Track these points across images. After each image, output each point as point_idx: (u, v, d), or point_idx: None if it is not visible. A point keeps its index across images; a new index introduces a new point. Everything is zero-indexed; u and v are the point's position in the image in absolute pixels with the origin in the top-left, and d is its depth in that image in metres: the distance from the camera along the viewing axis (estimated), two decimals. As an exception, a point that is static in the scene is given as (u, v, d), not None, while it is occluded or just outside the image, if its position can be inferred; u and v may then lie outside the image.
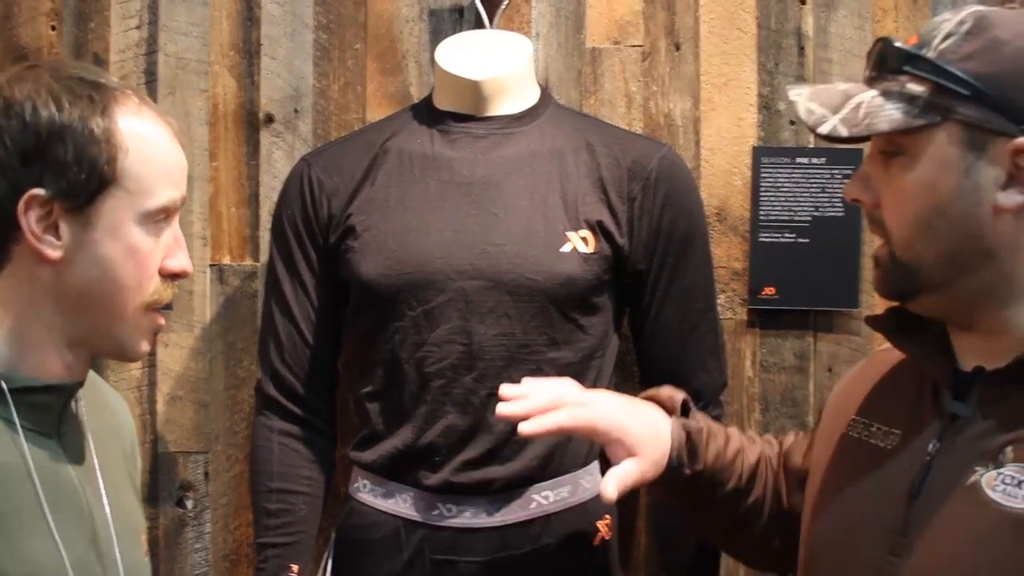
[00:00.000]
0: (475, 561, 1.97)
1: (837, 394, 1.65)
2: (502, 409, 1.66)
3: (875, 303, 2.28)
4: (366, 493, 2.05)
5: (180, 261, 1.37)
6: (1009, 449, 1.26)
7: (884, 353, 1.57)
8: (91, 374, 1.45)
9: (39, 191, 1.27)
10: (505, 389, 1.69)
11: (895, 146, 1.32)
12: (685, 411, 1.74)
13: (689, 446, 1.67)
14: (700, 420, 1.73)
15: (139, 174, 1.30)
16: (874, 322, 1.50)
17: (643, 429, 1.66)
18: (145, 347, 1.39)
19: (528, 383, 1.71)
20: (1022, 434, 1.26)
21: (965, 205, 1.28)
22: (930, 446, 1.34)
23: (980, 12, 1.31)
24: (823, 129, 1.35)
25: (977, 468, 1.28)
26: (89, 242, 1.30)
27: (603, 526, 2.05)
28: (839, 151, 2.26)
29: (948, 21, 1.32)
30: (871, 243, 2.26)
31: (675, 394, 1.77)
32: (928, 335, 1.42)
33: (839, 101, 1.35)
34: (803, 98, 1.38)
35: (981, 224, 1.28)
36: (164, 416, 2.33)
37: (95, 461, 1.42)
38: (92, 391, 1.48)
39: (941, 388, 1.37)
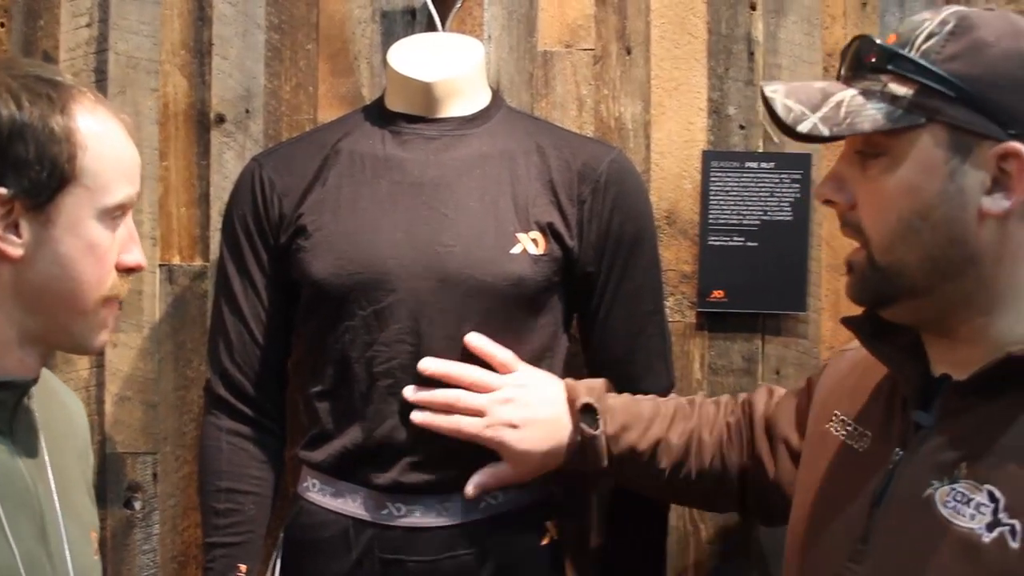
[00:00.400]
0: (424, 561, 1.97)
1: (827, 377, 1.66)
2: (408, 391, 1.85)
3: (822, 307, 2.30)
4: (315, 492, 2.04)
5: (135, 256, 1.39)
6: (964, 465, 1.26)
7: (860, 354, 1.57)
8: (45, 372, 1.45)
9: (2, 190, 1.28)
10: (427, 363, 1.84)
11: (875, 147, 1.30)
12: (591, 413, 1.80)
13: (583, 453, 1.79)
14: (610, 418, 1.80)
15: (97, 171, 1.32)
16: (850, 323, 1.48)
17: (538, 448, 1.84)
18: (103, 339, 1.41)
19: (455, 366, 1.84)
20: (977, 450, 1.26)
21: (949, 209, 1.26)
22: (895, 454, 1.34)
23: (962, 12, 1.29)
24: (803, 128, 1.31)
25: (933, 482, 1.28)
26: (49, 240, 1.31)
27: (551, 526, 2.06)
28: (788, 156, 2.28)
29: (929, 20, 1.30)
30: (819, 247, 2.29)
31: (582, 395, 1.85)
32: (902, 339, 1.41)
33: (818, 99, 1.32)
34: (779, 95, 1.34)
35: (965, 229, 1.26)
36: (112, 417, 2.32)
37: (47, 459, 1.43)
38: (46, 389, 1.49)
39: (908, 396, 1.36)
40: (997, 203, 1.25)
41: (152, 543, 2.35)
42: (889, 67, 1.28)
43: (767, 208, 2.29)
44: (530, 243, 2.00)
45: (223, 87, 2.34)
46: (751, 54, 2.33)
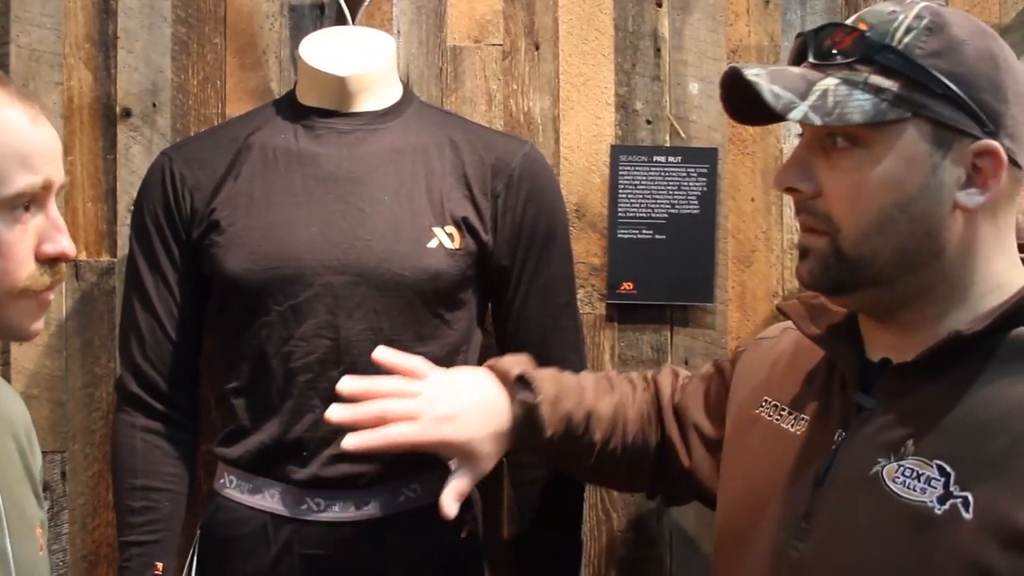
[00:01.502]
0: (344, 555, 1.98)
1: (747, 365, 1.67)
2: (331, 413, 1.70)
3: (729, 298, 2.35)
4: (232, 489, 2.04)
5: (57, 244, 1.34)
6: (910, 442, 1.28)
7: (795, 332, 1.58)
8: None
9: None
10: (345, 383, 1.73)
11: (853, 138, 1.29)
12: (525, 383, 1.77)
13: (528, 423, 1.73)
14: (543, 387, 1.76)
15: None
16: (785, 310, 1.51)
17: (481, 433, 1.74)
18: (35, 327, 1.37)
19: (375, 381, 1.76)
20: (924, 428, 1.28)
21: (928, 203, 1.28)
22: (836, 435, 1.36)
23: (931, 7, 1.31)
24: (795, 115, 1.28)
25: (880, 460, 1.29)
26: None
27: (471, 518, 2.07)
28: (695, 151, 2.33)
29: (901, 13, 1.30)
30: (725, 240, 2.34)
31: (513, 367, 1.79)
32: (837, 325, 1.44)
33: (803, 87, 1.30)
34: (764, 80, 1.30)
35: (940, 223, 1.28)
36: (18, 415, 2.28)
37: None
38: None
39: (848, 379, 1.39)
40: (972, 198, 1.28)
41: (61, 543, 2.31)
42: (876, 59, 1.28)
43: (675, 202, 2.33)
44: (446, 237, 2.01)
45: (129, 81, 2.32)
46: (657, 50, 2.37)
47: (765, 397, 1.54)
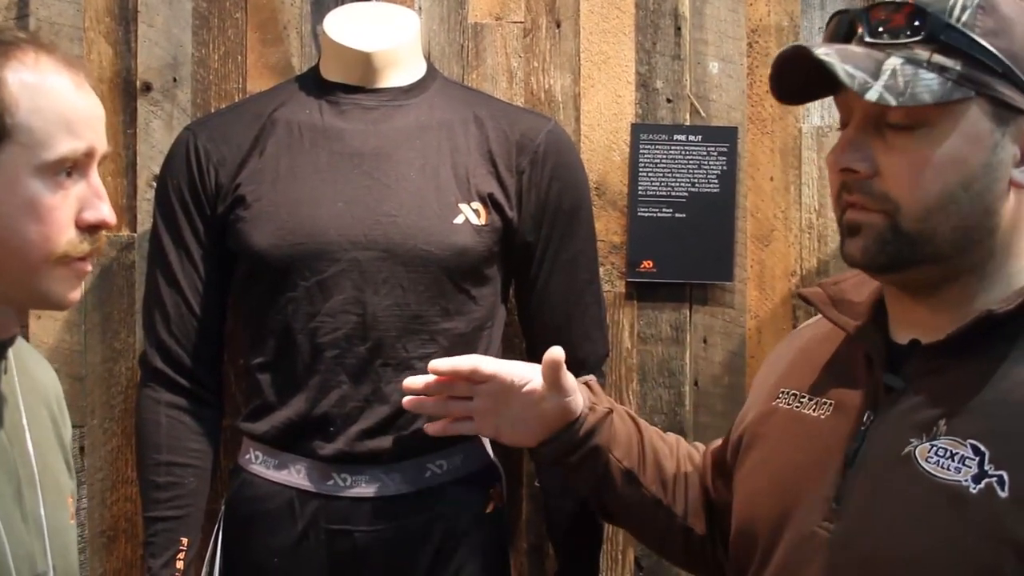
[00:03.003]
0: (370, 530, 1.99)
1: (760, 377, 1.67)
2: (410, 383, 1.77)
3: (747, 277, 2.36)
4: (258, 464, 2.04)
5: (98, 212, 1.34)
6: (942, 422, 1.28)
7: (807, 330, 1.60)
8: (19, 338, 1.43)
9: None
10: (436, 364, 1.79)
11: (915, 118, 1.28)
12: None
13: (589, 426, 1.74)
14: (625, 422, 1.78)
15: (32, 127, 1.28)
16: (807, 297, 1.51)
17: (534, 441, 1.79)
18: (73, 295, 1.36)
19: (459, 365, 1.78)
20: (956, 408, 1.28)
21: (989, 181, 1.28)
22: (865, 417, 1.36)
23: None
24: (871, 96, 1.26)
25: (912, 440, 1.29)
26: None
27: (495, 494, 2.08)
28: (715, 129, 2.34)
29: None
30: (744, 219, 2.35)
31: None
32: (858, 309, 1.45)
33: (872, 66, 1.28)
34: (836, 59, 1.27)
35: (996, 200, 1.29)
36: (37, 390, 2.28)
37: (25, 421, 1.41)
38: (19, 353, 1.46)
39: (874, 360, 1.39)
40: None
41: (80, 517, 2.31)
42: (940, 38, 1.27)
43: (695, 180, 2.34)
44: (472, 213, 2.02)
45: (149, 55, 2.31)
46: (678, 29, 2.37)
47: (781, 389, 1.54)
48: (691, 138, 2.34)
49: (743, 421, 1.63)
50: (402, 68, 2.11)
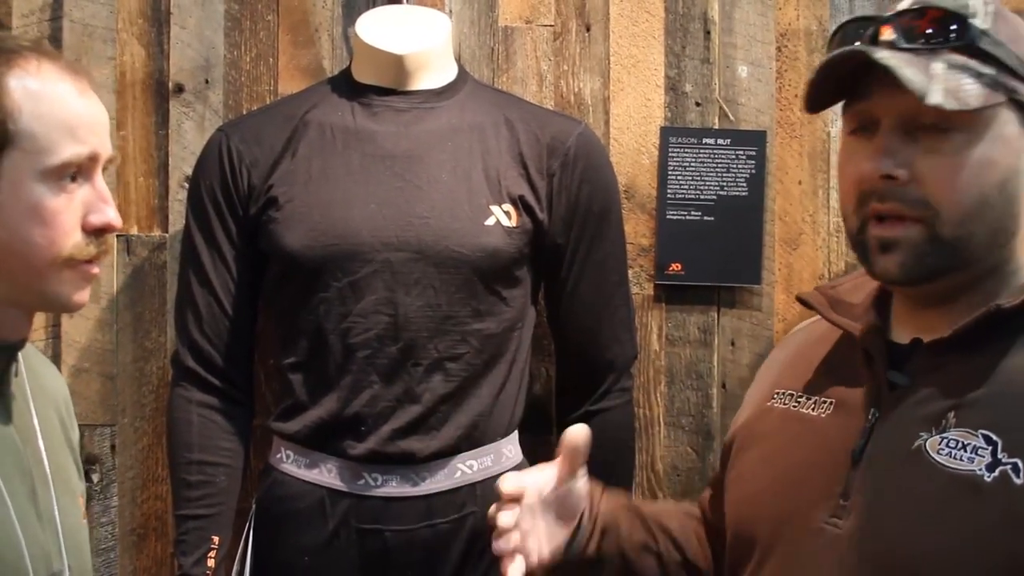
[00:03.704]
0: (401, 530, 2.00)
1: (753, 385, 1.66)
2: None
3: (775, 280, 2.37)
4: (289, 464, 2.05)
5: (103, 215, 1.36)
6: (951, 415, 1.27)
7: (799, 334, 1.60)
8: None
9: None
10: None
11: (950, 122, 1.27)
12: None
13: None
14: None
15: (35, 132, 1.29)
16: (806, 300, 1.50)
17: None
18: (79, 298, 1.38)
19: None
20: (964, 400, 1.28)
21: (1017, 183, 1.30)
22: (869, 414, 1.35)
23: None
24: (933, 100, 1.24)
25: (921, 434, 1.28)
26: None
27: (524, 494, 2.09)
28: (744, 133, 2.35)
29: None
30: (772, 222, 2.36)
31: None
32: (857, 311, 1.44)
33: (923, 70, 1.26)
34: (896, 62, 1.26)
35: (1020, 202, 1.31)
36: (69, 388, 2.26)
37: (36, 423, 1.43)
38: (26, 356, 1.47)
39: (876, 359, 1.38)
40: None
41: (110, 515, 2.33)
42: (978, 44, 1.27)
43: (723, 184, 2.35)
44: (503, 215, 2.03)
45: (182, 57, 2.33)
46: (707, 33, 2.38)
47: (776, 390, 1.52)
48: (720, 142, 2.35)
49: (735, 424, 1.61)
50: (434, 71, 2.12)
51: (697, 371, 2.38)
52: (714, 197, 2.35)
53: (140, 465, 2.34)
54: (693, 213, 2.35)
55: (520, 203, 2.05)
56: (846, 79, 1.33)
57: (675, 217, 2.35)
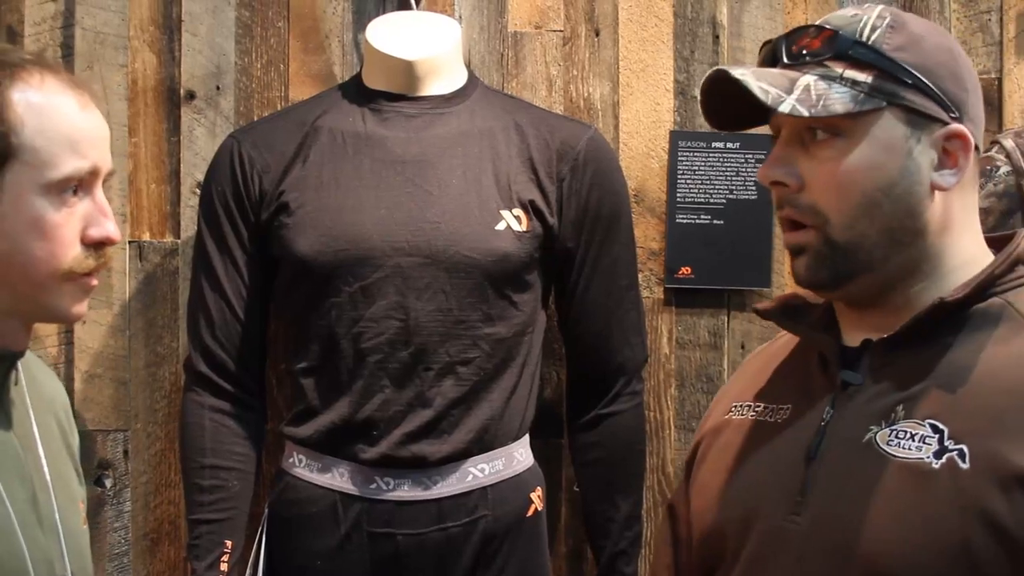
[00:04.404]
0: (412, 534, 2.01)
1: (711, 408, 1.69)
2: None
3: (785, 283, 2.37)
4: (301, 468, 2.06)
5: (102, 229, 1.36)
6: (900, 408, 1.33)
7: (755, 356, 1.66)
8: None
9: None
10: None
11: (832, 128, 1.34)
12: None
13: None
14: None
15: (37, 146, 1.30)
16: (763, 312, 1.56)
17: None
18: (78, 310, 1.39)
19: None
20: (911, 393, 1.33)
21: (908, 184, 1.34)
22: (824, 413, 1.39)
23: (891, 9, 1.38)
24: (784, 108, 1.32)
25: (872, 427, 1.33)
26: None
27: (536, 497, 2.11)
28: (753, 137, 2.35)
29: (863, 15, 1.36)
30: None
31: None
32: (812, 318, 1.49)
33: (786, 83, 1.34)
34: (751, 78, 1.34)
35: (919, 202, 1.34)
36: (82, 394, 2.31)
37: (35, 430, 1.43)
38: (25, 364, 1.48)
39: (830, 360, 1.42)
40: (945, 179, 1.34)
41: (123, 520, 2.34)
42: (849, 54, 1.34)
43: (733, 188, 2.36)
44: (513, 220, 2.04)
45: (193, 63, 2.34)
46: (716, 37, 2.39)
47: (733, 404, 1.56)
48: (729, 145, 2.35)
49: (693, 441, 1.65)
50: (444, 76, 2.13)
51: (707, 374, 2.38)
52: (723, 201, 2.36)
53: (153, 470, 2.35)
54: (703, 217, 2.36)
55: (530, 208, 2.06)
56: (745, 98, 1.37)
57: (685, 221, 2.36)
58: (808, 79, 1.34)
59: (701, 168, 2.36)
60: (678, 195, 2.36)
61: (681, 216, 2.36)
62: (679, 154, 2.36)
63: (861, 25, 1.36)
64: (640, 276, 2.32)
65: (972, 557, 1.25)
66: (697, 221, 2.36)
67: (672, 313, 2.39)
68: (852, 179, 1.34)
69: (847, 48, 1.35)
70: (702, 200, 2.36)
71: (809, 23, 1.43)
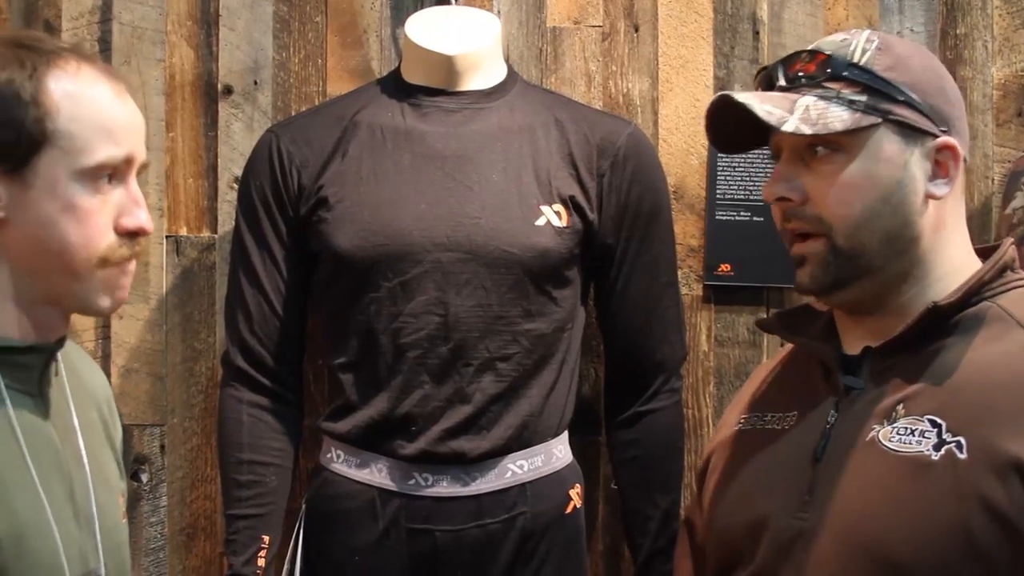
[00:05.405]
0: (451, 530, 2.00)
1: (720, 422, 1.77)
2: None
3: (825, 281, 2.35)
4: (340, 463, 2.06)
5: (135, 218, 1.38)
6: (900, 407, 1.41)
7: (761, 368, 1.75)
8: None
9: None
10: None
11: (832, 145, 1.44)
12: None
13: None
14: None
15: (72, 133, 1.32)
16: (764, 324, 1.71)
17: None
18: (108, 302, 1.40)
19: None
20: (910, 392, 1.42)
21: (904, 194, 1.45)
22: (829, 417, 1.48)
23: (876, 33, 1.51)
24: (788, 128, 1.42)
25: (874, 427, 1.42)
26: (28, 202, 1.32)
27: (575, 494, 2.10)
28: (793, 133, 2.33)
29: (853, 39, 1.48)
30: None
31: None
32: (813, 329, 1.59)
33: (787, 104, 1.45)
34: (754, 101, 1.46)
35: (915, 210, 1.45)
36: (119, 389, 2.31)
37: (75, 422, 1.44)
38: (67, 355, 1.49)
39: (832, 367, 1.51)
40: (939, 188, 1.46)
41: (160, 515, 2.34)
42: (844, 75, 1.45)
43: (773, 184, 2.34)
44: (554, 215, 2.03)
45: (231, 58, 2.34)
46: (756, 33, 2.38)
47: (741, 416, 1.65)
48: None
49: (705, 454, 1.74)
50: (483, 71, 2.12)
51: (746, 372, 2.36)
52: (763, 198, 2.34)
53: (189, 465, 2.35)
54: (742, 214, 2.35)
55: (570, 203, 2.05)
56: (750, 122, 1.48)
57: (724, 218, 2.35)
58: (807, 100, 1.45)
59: (741, 165, 2.34)
60: (718, 192, 2.35)
61: (721, 213, 2.35)
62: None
63: (852, 48, 1.47)
64: (679, 273, 2.30)
65: (973, 542, 1.32)
66: (737, 218, 2.35)
67: (711, 310, 2.38)
68: (852, 190, 1.45)
69: (842, 70, 1.46)
70: (742, 197, 2.35)
71: (805, 48, 1.54)
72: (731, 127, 1.55)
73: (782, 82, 1.51)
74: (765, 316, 2.36)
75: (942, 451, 1.35)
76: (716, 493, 1.62)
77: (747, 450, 1.59)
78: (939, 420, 1.37)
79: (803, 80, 1.48)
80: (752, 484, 1.54)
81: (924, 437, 1.37)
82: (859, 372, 1.48)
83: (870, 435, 1.41)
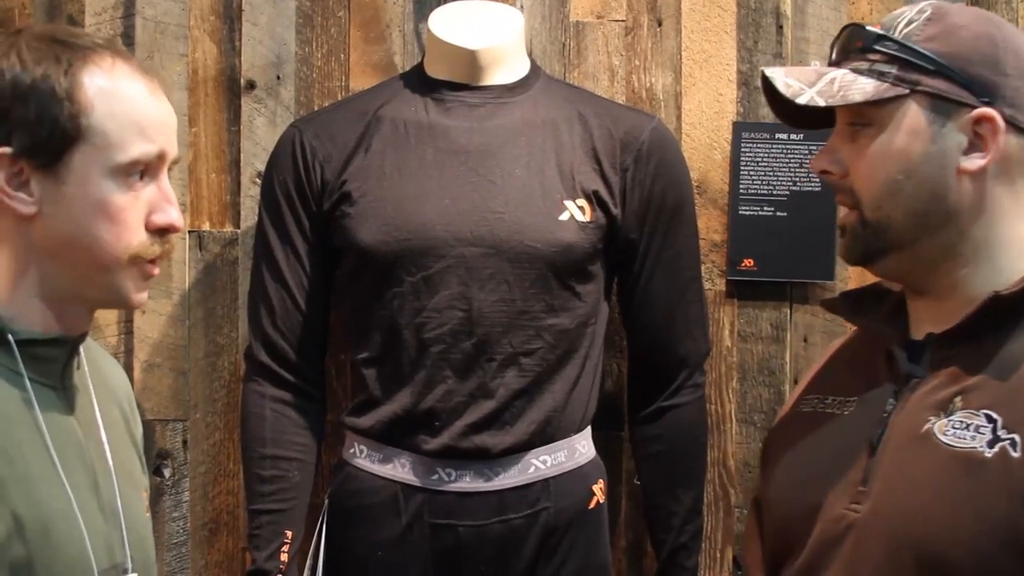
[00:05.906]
0: (474, 525, 2.00)
1: (786, 402, 1.78)
2: None
3: (848, 276, 2.34)
4: (363, 459, 2.05)
5: (166, 216, 1.38)
6: (958, 399, 1.39)
7: (831, 347, 1.72)
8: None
9: (6, 149, 1.31)
10: None
11: (864, 118, 1.45)
12: None
13: None
14: None
15: (106, 129, 1.32)
16: (829, 304, 1.67)
17: None
18: (138, 297, 1.41)
19: None
20: (968, 385, 1.39)
21: (932, 168, 1.42)
22: (888, 405, 1.46)
23: (938, 3, 1.47)
24: (801, 100, 1.45)
25: (930, 418, 1.40)
26: (61, 197, 1.33)
27: (598, 490, 2.09)
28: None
29: (908, 11, 1.46)
30: (846, 217, 2.33)
31: None
32: (879, 310, 1.57)
33: (813, 77, 1.47)
34: (779, 75, 1.49)
35: (946, 186, 1.42)
36: (141, 384, 2.31)
37: (98, 416, 1.45)
38: (86, 350, 1.49)
39: (895, 352, 1.49)
40: (973, 162, 1.41)
41: (182, 510, 2.35)
42: (876, 47, 1.45)
43: (796, 179, 2.33)
44: (577, 210, 2.03)
45: (253, 53, 2.34)
46: (779, 27, 2.36)
47: (804, 398, 1.63)
48: (793, 137, 2.33)
49: (767, 437, 1.74)
50: (507, 66, 2.12)
51: (769, 367, 2.36)
52: (787, 193, 2.33)
53: (211, 460, 2.35)
54: (766, 209, 2.34)
55: (594, 198, 2.05)
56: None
57: (747, 213, 2.34)
58: (839, 72, 1.47)
59: (764, 159, 2.34)
60: (741, 187, 2.34)
61: (744, 208, 2.34)
62: (742, 145, 2.34)
63: (898, 21, 1.46)
64: (702, 268, 2.29)
65: (1022, 543, 1.29)
66: (760, 213, 2.34)
67: (734, 305, 2.37)
68: (876, 164, 1.45)
69: (872, 42, 1.46)
70: (765, 192, 2.34)
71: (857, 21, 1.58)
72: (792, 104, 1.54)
73: (834, 56, 1.52)
74: (788, 312, 2.36)
75: (996, 448, 1.33)
76: (774, 477, 1.61)
77: (805, 434, 1.57)
78: (995, 416, 1.35)
79: (847, 54, 1.49)
80: (808, 471, 1.52)
81: (979, 432, 1.35)
82: (921, 359, 1.46)
83: (925, 427, 1.39)
